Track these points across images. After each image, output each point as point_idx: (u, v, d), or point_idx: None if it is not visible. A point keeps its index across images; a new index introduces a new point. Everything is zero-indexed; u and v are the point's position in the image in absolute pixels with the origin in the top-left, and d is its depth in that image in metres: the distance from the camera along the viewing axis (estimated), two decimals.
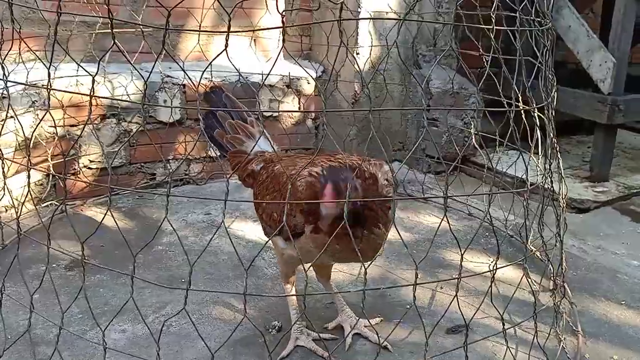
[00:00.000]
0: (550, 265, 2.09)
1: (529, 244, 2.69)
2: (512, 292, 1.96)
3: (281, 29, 1.36)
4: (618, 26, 3.77)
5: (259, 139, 2.28)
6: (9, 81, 1.50)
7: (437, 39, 4.11)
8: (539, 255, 2.63)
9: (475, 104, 3.93)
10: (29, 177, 1.56)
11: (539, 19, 2.03)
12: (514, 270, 2.64)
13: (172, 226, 1.70)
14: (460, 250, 1.53)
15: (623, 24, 3.72)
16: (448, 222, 1.52)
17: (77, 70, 2.89)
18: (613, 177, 4.03)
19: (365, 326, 2.16)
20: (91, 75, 1.36)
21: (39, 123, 1.62)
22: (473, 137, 2.23)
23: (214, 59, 1.56)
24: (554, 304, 2.04)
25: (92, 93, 1.37)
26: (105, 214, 1.48)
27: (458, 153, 3.22)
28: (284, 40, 1.37)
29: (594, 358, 2.07)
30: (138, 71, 1.42)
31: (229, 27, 1.30)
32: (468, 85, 3.97)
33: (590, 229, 3.25)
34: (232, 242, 1.53)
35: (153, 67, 1.63)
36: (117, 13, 3.08)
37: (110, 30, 1.24)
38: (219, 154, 2.43)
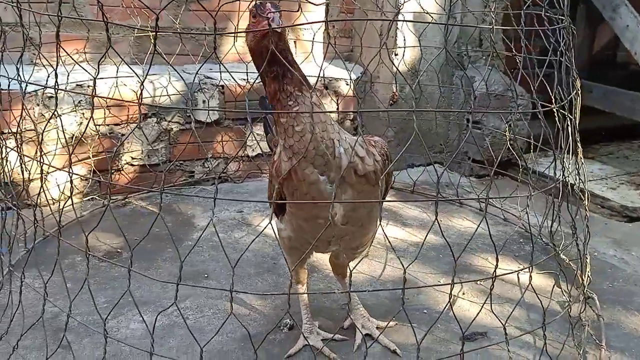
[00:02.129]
0: (564, 275, 2.00)
1: (559, 250, 2.57)
2: (519, 300, 1.88)
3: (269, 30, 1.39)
4: None
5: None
6: (29, 82, 1.61)
7: (482, 39, 4.01)
8: (569, 262, 2.52)
9: (520, 106, 3.80)
10: (42, 179, 1.66)
11: (562, 17, 1.95)
12: (543, 278, 2.54)
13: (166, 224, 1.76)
14: (454, 256, 1.49)
15: None
16: (434, 227, 1.49)
17: (117, 72, 3.05)
18: None
19: (377, 327, 2.15)
20: (92, 76, 1.44)
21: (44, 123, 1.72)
22: (507, 140, 2.16)
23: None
24: (569, 314, 1.95)
25: (94, 93, 1.44)
26: (107, 208, 1.55)
27: (499, 156, 3.12)
28: (263, 41, 1.39)
29: None
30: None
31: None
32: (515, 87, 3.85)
33: (637, 238, 3.07)
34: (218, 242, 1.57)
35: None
36: (153, 17, 3.19)
37: (149, 33, 1.30)
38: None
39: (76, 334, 2.11)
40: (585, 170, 2.21)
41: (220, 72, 3.27)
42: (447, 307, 1.57)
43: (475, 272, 2.64)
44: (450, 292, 1.54)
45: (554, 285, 2.21)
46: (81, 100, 3.10)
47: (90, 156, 3.08)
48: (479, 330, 2.18)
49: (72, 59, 1.64)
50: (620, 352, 2.07)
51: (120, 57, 1.60)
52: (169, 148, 3.40)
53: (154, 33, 1.33)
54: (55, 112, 1.56)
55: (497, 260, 1.57)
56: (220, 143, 3.47)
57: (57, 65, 1.47)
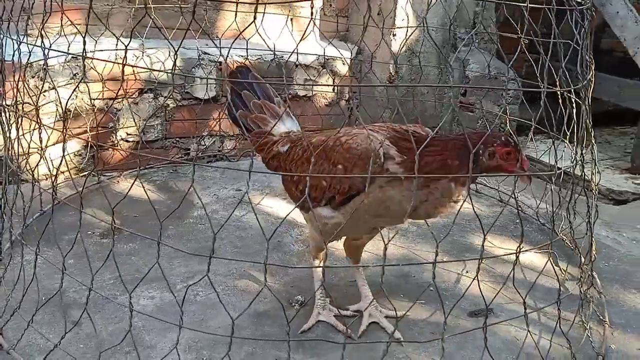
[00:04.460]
0: (577, 253, 2.06)
1: (559, 231, 2.64)
2: (536, 278, 1.93)
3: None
4: None
5: (281, 119, 2.23)
6: (53, 49, 1.56)
7: (476, 22, 4.04)
8: (568, 242, 2.59)
9: (512, 90, 3.86)
10: (63, 148, 1.62)
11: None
12: (542, 257, 2.60)
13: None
14: (484, 233, 1.52)
15: None
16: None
17: (117, 45, 2.96)
18: None
19: (386, 317, 2.14)
20: (125, 45, 1.40)
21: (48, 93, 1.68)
22: (508, 123, 2.21)
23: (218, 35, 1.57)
24: (580, 292, 2.01)
25: (124, 62, 1.41)
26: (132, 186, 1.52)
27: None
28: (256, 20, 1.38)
29: (620, 349, 2.03)
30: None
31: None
32: (507, 71, 3.90)
33: (626, 220, 3.17)
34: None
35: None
36: None
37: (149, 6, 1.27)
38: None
39: (84, 310, 2.07)
40: (596, 155, 2.26)
41: (220, 47, 3.21)
42: (468, 284, 1.60)
43: (477, 251, 2.68)
44: (478, 267, 1.57)
45: (567, 266, 2.27)
46: (77, 73, 3.01)
47: (88, 130, 3.02)
48: (483, 307, 2.23)
49: (108, 29, 1.59)
50: (622, 328, 2.15)
51: (159, 28, 1.55)
52: (165, 124, 3.35)
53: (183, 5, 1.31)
54: (85, 81, 1.52)
55: (522, 237, 1.61)
56: (218, 120, 3.43)
57: (85, 34, 1.43)
